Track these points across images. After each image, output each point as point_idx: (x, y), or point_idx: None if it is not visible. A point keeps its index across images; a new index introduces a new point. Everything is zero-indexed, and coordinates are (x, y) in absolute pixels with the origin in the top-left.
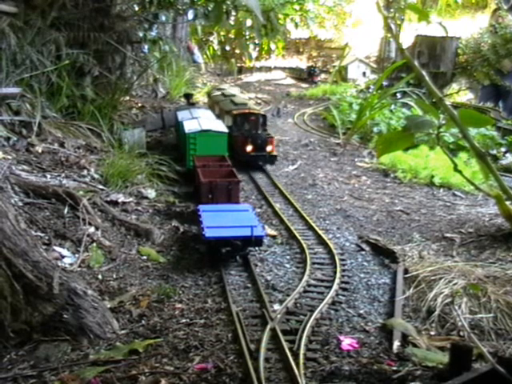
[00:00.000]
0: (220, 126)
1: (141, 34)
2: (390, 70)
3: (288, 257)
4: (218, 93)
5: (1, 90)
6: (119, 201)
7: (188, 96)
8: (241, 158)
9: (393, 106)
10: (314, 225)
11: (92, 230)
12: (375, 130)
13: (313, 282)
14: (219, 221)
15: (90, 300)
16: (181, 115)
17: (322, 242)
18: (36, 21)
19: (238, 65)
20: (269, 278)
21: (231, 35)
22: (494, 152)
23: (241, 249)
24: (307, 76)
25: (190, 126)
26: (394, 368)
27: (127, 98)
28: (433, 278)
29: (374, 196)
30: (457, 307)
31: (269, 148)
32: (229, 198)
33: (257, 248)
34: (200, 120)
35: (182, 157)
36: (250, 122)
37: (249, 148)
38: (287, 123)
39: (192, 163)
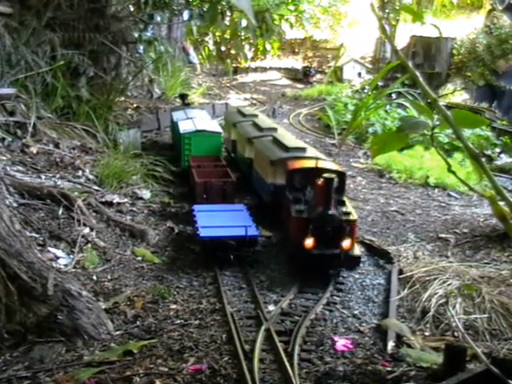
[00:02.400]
0: (215, 127)
1: (136, 35)
2: (386, 70)
3: (283, 257)
4: (246, 121)
5: None
6: (114, 201)
7: (183, 96)
8: (294, 255)
9: (388, 107)
10: None
11: (87, 230)
12: (370, 130)
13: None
14: (214, 221)
15: (85, 301)
16: (176, 115)
17: None
18: (31, 21)
19: (234, 65)
20: (263, 278)
21: (226, 36)
22: (489, 152)
23: (235, 248)
24: (302, 76)
25: (184, 127)
26: (389, 369)
27: (122, 98)
28: (427, 278)
29: (369, 196)
30: (451, 308)
31: (346, 243)
32: (224, 197)
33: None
34: (195, 120)
35: (178, 157)
36: (317, 186)
37: (309, 242)
38: (282, 124)
39: (187, 163)
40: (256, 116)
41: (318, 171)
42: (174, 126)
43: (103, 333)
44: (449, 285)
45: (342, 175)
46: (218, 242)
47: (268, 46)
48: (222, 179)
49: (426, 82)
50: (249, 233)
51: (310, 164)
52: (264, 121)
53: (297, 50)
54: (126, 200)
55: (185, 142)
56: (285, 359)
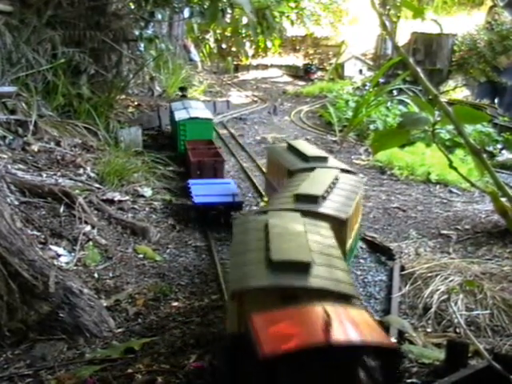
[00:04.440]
0: (206, 114)
1: (137, 33)
2: (387, 67)
3: None
4: (312, 167)
5: None
6: (115, 199)
7: (183, 89)
8: None
9: (389, 103)
10: None
11: (88, 228)
12: (372, 127)
13: None
14: (206, 191)
15: (86, 299)
16: (174, 106)
17: None
18: (31, 19)
19: (235, 63)
20: None
21: (227, 33)
22: (491, 149)
23: (224, 212)
24: (304, 73)
25: (180, 115)
26: None
27: (123, 96)
28: (429, 274)
29: (371, 193)
30: (453, 304)
31: None
32: (215, 174)
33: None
34: (189, 109)
35: (175, 142)
36: None
37: None
38: (284, 121)
39: (183, 147)
40: (324, 160)
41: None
42: (171, 115)
43: (105, 330)
44: (451, 281)
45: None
46: (210, 207)
47: (269, 44)
48: (213, 158)
49: (427, 79)
50: (235, 199)
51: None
52: (343, 175)
53: (298, 48)
54: (127, 198)
55: (180, 128)
56: None
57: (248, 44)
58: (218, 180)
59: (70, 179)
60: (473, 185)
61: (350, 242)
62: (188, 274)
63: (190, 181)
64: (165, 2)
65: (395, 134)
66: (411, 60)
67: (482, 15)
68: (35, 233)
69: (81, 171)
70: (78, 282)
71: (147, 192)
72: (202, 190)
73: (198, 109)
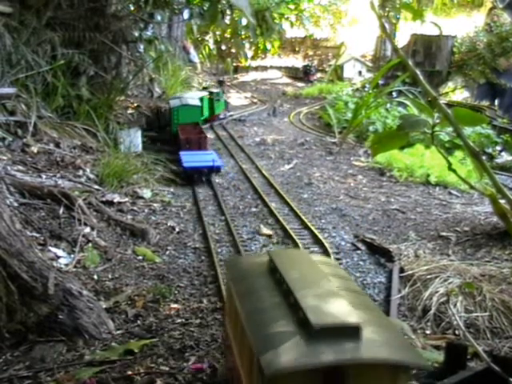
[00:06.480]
0: (195, 102)
1: (136, 34)
2: (386, 68)
3: None
4: None
5: None
6: (115, 201)
7: (221, 82)
8: None
9: (388, 105)
10: (309, 224)
11: (87, 230)
12: (371, 128)
13: None
14: (193, 158)
15: (86, 300)
16: (171, 97)
17: (317, 241)
18: (31, 21)
19: (234, 64)
20: None
21: (227, 34)
22: (490, 150)
23: (206, 174)
24: (303, 75)
25: (174, 103)
26: None
27: (123, 97)
28: (428, 276)
29: (370, 195)
30: (452, 306)
31: None
32: (199, 147)
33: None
34: (182, 99)
35: (170, 125)
36: None
37: None
38: (283, 122)
39: (176, 129)
40: None
41: None
42: (168, 104)
43: (104, 332)
44: (450, 283)
45: None
46: (196, 170)
47: (268, 45)
48: (198, 135)
49: (427, 81)
50: (215, 164)
51: None
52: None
53: (297, 49)
54: (126, 199)
55: (173, 113)
56: None
57: (247, 45)
58: (202, 151)
59: (70, 181)
60: (472, 187)
61: None
62: (187, 276)
63: (181, 152)
64: (164, 3)
65: (394, 135)
66: (410, 62)
67: (482, 17)
68: (34, 234)
69: (80, 173)
70: (77, 284)
71: (146, 193)
72: (190, 158)
73: (188, 98)
